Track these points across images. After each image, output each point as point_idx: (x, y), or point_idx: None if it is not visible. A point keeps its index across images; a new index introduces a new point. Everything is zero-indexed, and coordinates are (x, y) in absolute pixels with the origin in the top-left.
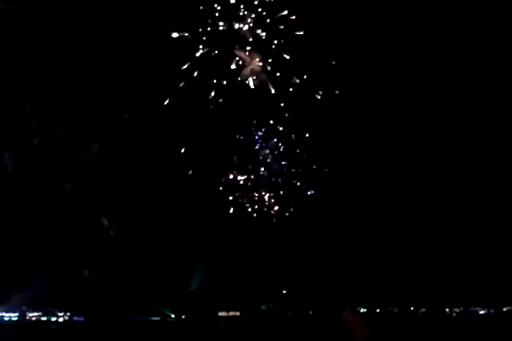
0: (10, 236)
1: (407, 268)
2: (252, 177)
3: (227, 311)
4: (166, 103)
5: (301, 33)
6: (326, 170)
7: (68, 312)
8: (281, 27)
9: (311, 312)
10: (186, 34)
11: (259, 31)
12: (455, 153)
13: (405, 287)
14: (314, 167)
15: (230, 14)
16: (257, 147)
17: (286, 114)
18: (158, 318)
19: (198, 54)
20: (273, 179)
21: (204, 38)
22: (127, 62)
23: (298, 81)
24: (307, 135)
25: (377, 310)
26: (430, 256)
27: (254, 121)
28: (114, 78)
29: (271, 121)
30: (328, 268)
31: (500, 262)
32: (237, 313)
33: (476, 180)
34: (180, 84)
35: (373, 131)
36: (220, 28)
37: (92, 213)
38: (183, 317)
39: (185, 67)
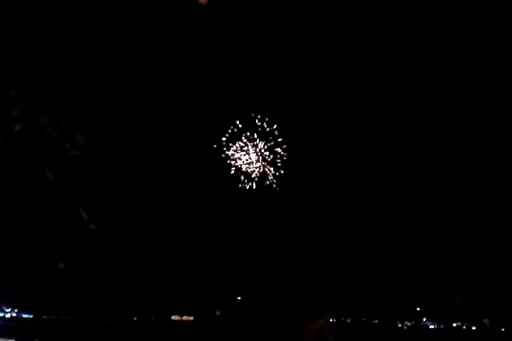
0: None
1: (362, 280)
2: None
3: (181, 315)
4: (151, 100)
5: None
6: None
7: (16, 308)
8: None
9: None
10: None
11: None
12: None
13: (360, 298)
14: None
15: None
16: None
17: None
18: (109, 319)
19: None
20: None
21: None
22: (119, 58)
23: None
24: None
25: (332, 320)
26: (385, 270)
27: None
28: (104, 72)
29: None
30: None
31: (456, 280)
32: (191, 318)
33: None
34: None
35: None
36: None
37: (71, 205)
38: (135, 319)
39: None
